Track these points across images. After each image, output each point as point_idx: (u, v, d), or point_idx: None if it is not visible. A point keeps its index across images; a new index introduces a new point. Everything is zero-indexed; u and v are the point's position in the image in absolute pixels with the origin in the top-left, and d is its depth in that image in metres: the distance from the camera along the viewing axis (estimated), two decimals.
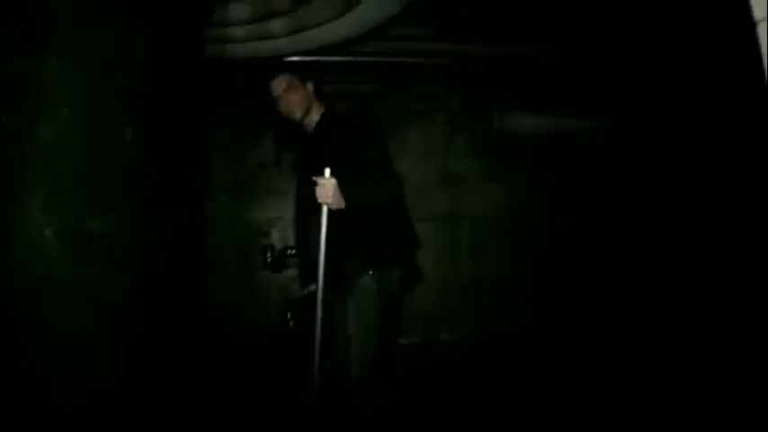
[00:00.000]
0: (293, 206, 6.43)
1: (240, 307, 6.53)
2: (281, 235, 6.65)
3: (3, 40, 1.32)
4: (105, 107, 1.99)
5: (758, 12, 1.42)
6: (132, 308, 2.28)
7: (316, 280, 3.58)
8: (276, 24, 4.42)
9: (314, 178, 3.30)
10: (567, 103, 6.58)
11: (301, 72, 3.90)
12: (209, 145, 6.29)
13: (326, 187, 3.25)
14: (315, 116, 3.82)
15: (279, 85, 3.81)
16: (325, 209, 3.35)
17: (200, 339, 3.76)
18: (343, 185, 3.27)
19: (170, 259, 2.99)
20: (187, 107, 3.56)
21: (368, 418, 3.42)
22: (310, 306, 3.80)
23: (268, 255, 6.50)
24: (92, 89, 1.84)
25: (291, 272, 6.55)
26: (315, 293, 3.66)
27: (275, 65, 4.16)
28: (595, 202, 6.68)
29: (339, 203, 3.28)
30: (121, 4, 2.05)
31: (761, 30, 1.41)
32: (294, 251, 6.41)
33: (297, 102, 3.77)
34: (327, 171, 3.28)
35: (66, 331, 1.68)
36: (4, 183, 1.34)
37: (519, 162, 6.84)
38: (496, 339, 6.30)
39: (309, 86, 3.83)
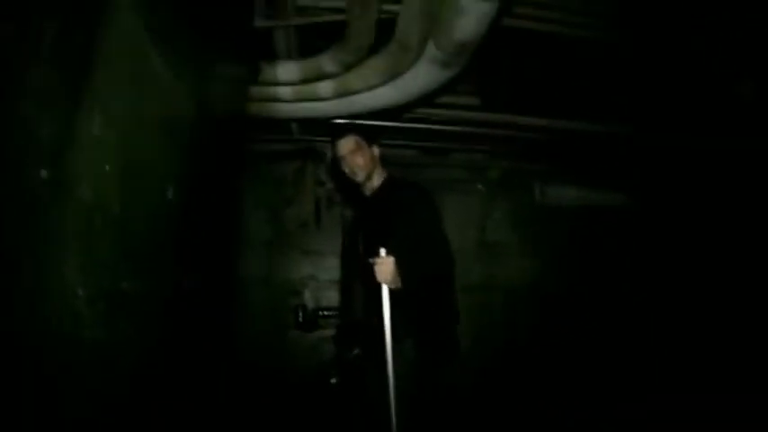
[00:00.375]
0: (328, 266, 6.55)
1: (270, 364, 6.48)
2: (314, 295, 6.62)
3: (42, 93, 1.31)
4: (148, 165, 1.97)
5: None
6: (163, 368, 2.25)
7: (359, 344, 3.61)
8: (324, 87, 4.44)
9: (371, 260, 3.28)
10: (606, 177, 6.56)
11: (368, 134, 3.93)
12: (248, 200, 6.33)
13: (386, 267, 3.24)
14: (376, 181, 3.86)
15: (346, 144, 3.84)
16: (385, 288, 3.31)
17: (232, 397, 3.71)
18: (401, 266, 3.24)
19: (204, 315, 2.96)
20: (229, 164, 3.56)
21: None
22: (356, 368, 3.81)
23: (300, 314, 6.45)
24: (135, 146, 1.82)
25: (323, 332, 6.52)
26: (359, 356, 3.69)
27: (342, 125, 4.26)
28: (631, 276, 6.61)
29: (396, 283, 3.25)
30: (166, 61, 2.04)
31: None
32: (326, 312, 6.41)
33: (362, 164, 3.80)
34: (383, 250, 3.27)
35: (95, 392, 1.64)
36: (40, 240, 1.31)
37: (557, 234, 6.78)
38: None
39: (375, 150, 3.88)
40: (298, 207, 6.65)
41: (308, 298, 6.61)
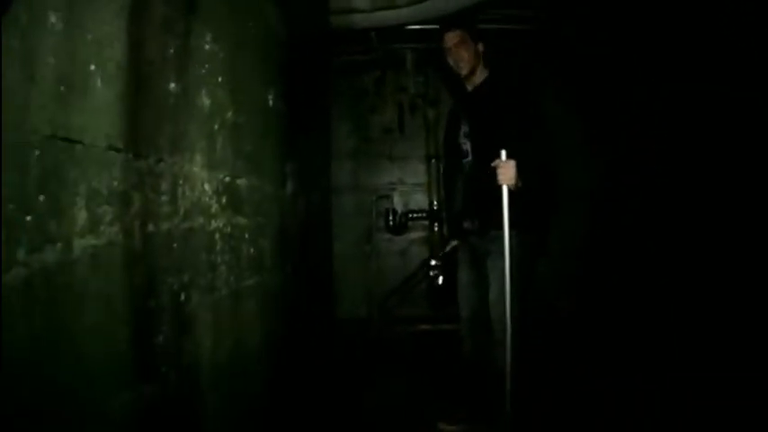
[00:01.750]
0: (414, 170, 6.74)
1: (360, 269, 6.73)
2: (403, 199, 6.81)
3: (164, 18, 1.51)
4: (251, 76, 2.18)
5: None
6: (273, 262, 2.49)
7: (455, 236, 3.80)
8: None
9: (494, 163, 3.32)
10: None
11: (476, 31, 3.91)
12: (333, 112, 6.52)
13: (508, 169, 3.28)
14: (479, 77, 3.86)
15: (453, 37, 3.83)
16: (506, 189, 3.33)
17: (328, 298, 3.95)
18: (520, 168, 3.29)
19: (307, 217, 3.19)
20: (317, 76, 3.75)
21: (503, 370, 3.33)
22: (452, 260, 4.00)
23: (390, 217, 6.66)
24: (239, 60, 2.03)
25: (411, 235, 6.74)
26: (456, 248, 3.87)
27: (450, 20, 4.22)
28: None
29: (517, 184, 3.30)
30: None
31: None
32: (415, 214, 6.62)
33: (466, 57, 3.79)
34: (504, 153, 3.31)
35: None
36: (171, 142, 1.54)
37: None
38: None
39: (480, 47, 3.85)
40: (381, 115, 6.79)
41: (397, 202, 6.81)
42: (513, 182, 3.26)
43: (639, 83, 6.44)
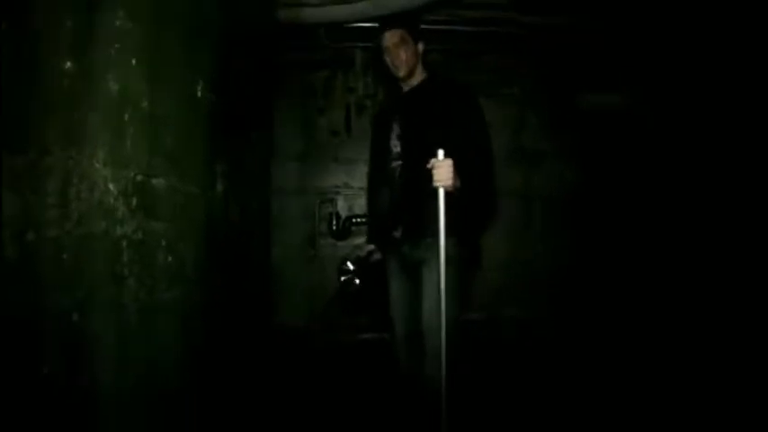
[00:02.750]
0: (360, 173, 6.54)
1: (302, 274, 6.55)
2: (347, 203, 6.64)
3: None
4: (176, 62, 1.94)
5: None
6: (196, 271, 2.25)
7: (378, 245, 3.62)
8: None
9: (430, 163, 3.16)
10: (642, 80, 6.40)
11: (416, 31, 3.81)
12: (279, 111, 6.30)
13: (445, 169, 3.13)
14: (417, 79, 3.76)
15: (392, 36, 3.72)
16: (441, 191, 3.18)
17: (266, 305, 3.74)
18: (457, 167, 3.15)
19: (240, 222, 2.96)
20: (263, 70, 3.52)
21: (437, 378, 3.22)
22: (371, 265, 3.83)
23: (333, 222, 6.48)
24: (161, 42, 1.79)
25: (356, 240, 6.55)
26: (373, 252, 3.71)
27: (391, 19, 4.06)
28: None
29: (454, 185, 3.16)
30: None
31: None
32: (359, 219, 6.43)
33: (404, 59, 3.68)
34: (441, 152, 3.15)
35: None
36: (66, 130, 1.29)
37: (594, 140, 6.66)
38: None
39: (420, 47, 3.75)
40: (329, 116, 6.59)
41: (341, 206, 6.63)
42: (450, 183, 3.12)
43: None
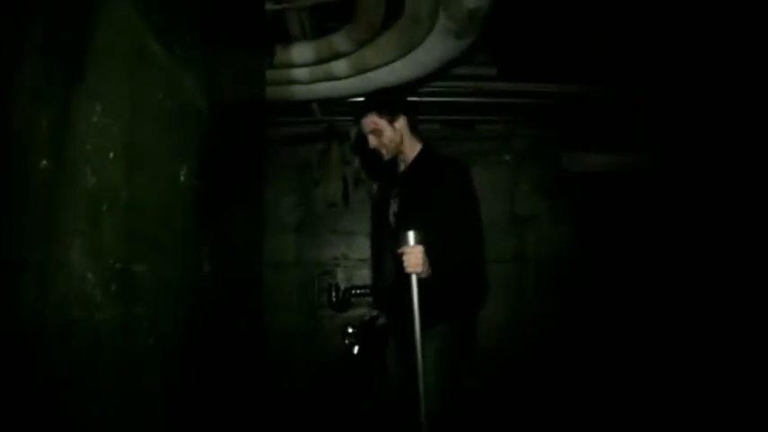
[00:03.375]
0: (359, 245, 6.59)
1: (303, 346, 6.54)
2: (346, 274, 6.67)
3: (36, 84, 1.33)
4: (155, 151, 2.00)
5: None
6: (182, 353, 2.28)
7: (382, 311, 3.64)
8: (339, 65, 4.46)
9: (400, 248, 3.19)
10: (632, 140, 6.48)
11: (391, 108, 3.79)
12: (275, 185, 6.39)
13: (414, 256, 3.14)
14: (409, 153, 3.78)
15: (366, 125, 3.78)
16: (414, 278, 3.21)
17: (261, 380, 3.74)
18: (431, 254, 3.16)
19: (231, 299, 2.99)
20: (249, 148, 3.59)
21: None
22: (375, 330, 3.84)
23: (333, 294, 6.50)
24: (139, 133, 1.86)
25: (356, 312, 6.56)
26: (376, 318, 3.72)
27: (361, 103, 4.13)
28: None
29: (426, 272, 3.17)
30: (169, 51, 2.08)
31: None
32: (359, 291, 6.45)
33: (383, 143, 3.74)
34: (412, 237, 3.17)
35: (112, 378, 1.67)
36: (44, 228, 1.34)
37: (587, 201, 6.71)
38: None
39: (400, 123, 3.74)
40: (325, 188, 6.67)
41: (341, 278, 6.66)
42: (419, 269, 3.13)
43: None
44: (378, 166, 4.01)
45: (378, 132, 3.74)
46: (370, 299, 6.48)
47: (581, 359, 6.28)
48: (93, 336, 1.57)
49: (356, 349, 4.37)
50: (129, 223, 1.78)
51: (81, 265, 1.50)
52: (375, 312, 4.13)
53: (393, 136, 3.73)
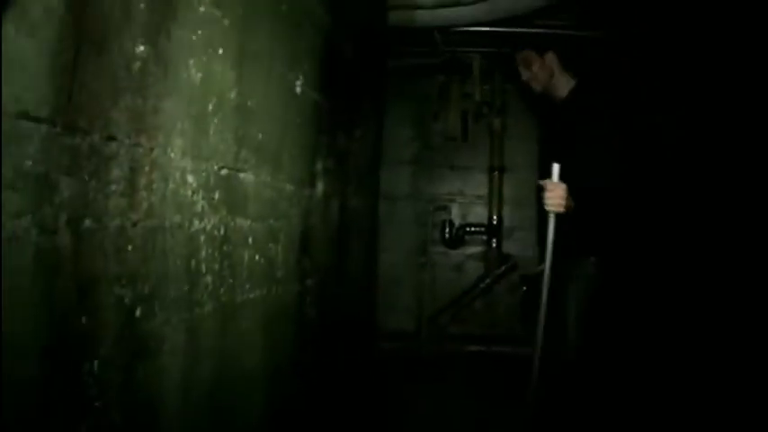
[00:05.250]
0: (475, 181, 6.41)
1: (413, 281, 6.44)
2: (461, 211, 6.50)
3: None
4: (270, 54, 1.87)
5: None
6: (289, 272, 2.18)
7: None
8: None
9: (540, 182, 3.17)
10: None
11: (541, 45, 3.79)
12: (393, 117, 6.26)
13: (555, 194, 3.06)
14: (561, 90, 3.69)
15: (518, 58, 3.78)
16: (552, 216, 3.11)
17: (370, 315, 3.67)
18: (573, 192, 3.07)
19: (343, 225, 2.89)
20: (372, 72, 3.46)
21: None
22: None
23: (447, 230, 6.36)
24: (252, 32, 1.73)
25: (468, 249, 6.42)
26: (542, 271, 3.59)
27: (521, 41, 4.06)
28: None
29: (569, 209, 3.07)
30: None
31: None
32: (473, 228, 6.29)
33: (532, 77, 3.70)
34: (556, 172, 3.06)
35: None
36: (139, 118, 1.22)
37: None
38: None
39: (550, 57, 3.69)
40: (444, 122, 6.47)
41: (455, 214, 6.50)
42: (560, 209, 3.03)
43: None
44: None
45: (527, 63, 3.71)
46: (484, 237, 6.34)
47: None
48: (191, 246, 1.46)
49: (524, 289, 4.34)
50: (239, 127, 1.66)
51: (180, 166, 1.38)
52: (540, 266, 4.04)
53: (540, 72, 3.68)
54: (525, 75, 3.74)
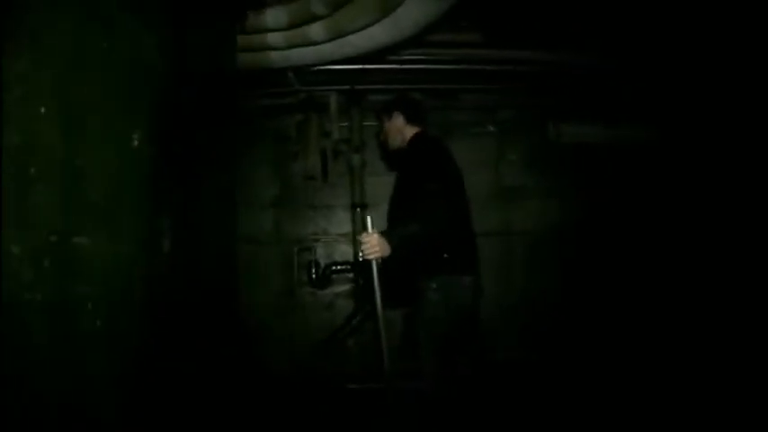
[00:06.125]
0: (338, 220, 6.41)
1: (282, 325, 6.35)
2: (326, 250, 6.46)
3: None
4: (101, 110, 1.78)
5: None
6: (138, 337, 2.07)
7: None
8: (315, 29, 4.24)
9: (360, 235, 3.32)
10: (620, 112, 6.32)
11: (390, 105, 3.97)
12: (251, 158, 6.19)
13: (370, 243, 3.21)
14: (403, 143, 3.90)
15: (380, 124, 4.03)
16: (374, 264, 3.28)
17: (236, 364, 3.56)
18: (386, 237, 3.23)
19: (195, 280, 2.78)
20: (221, 116, 3.37)
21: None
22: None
23: (313, 270, 6.30)
24: (81, 89, 1.63)
25: (337, 288, 6.38)
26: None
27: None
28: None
29: (385, 254, 3.23)
30: (131, 10, 1.86)
31: None
32: (339, 266, 6.26)
33: (387, 139, 3.97)
34: (369, 223, 3.26)
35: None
36: None
37: (573, 173, 6.53)
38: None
39: (396, 118, 3.90)
40: (304, 161, 6.43)
41: (321, 254, 6.45)
42: (376, 255, 3.23)
43: None
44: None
45: (383, 129, 3.97)
46: (350, 275, 6.31)
47: (571, 332, 6.13)
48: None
49: None
50: (71, 189, 1.56)
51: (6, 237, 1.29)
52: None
53: (389, 131, 3.93)
54: (384, 138, 4.01)
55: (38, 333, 1.43)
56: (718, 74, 5.51)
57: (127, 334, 1.94)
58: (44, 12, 1.46)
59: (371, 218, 3.27)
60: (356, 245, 6.34)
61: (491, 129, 6.68)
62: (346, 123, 6.40)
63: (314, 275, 6.31)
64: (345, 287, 6.40)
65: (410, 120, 3.89)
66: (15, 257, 1.33)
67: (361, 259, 3.34)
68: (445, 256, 3.50)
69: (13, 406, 1.34)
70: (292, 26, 4.30)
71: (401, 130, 3.87)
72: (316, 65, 4.88)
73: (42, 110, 1.45)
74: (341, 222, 6.47)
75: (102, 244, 1.75)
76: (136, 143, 2.05)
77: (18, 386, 1.35)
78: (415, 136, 3.85)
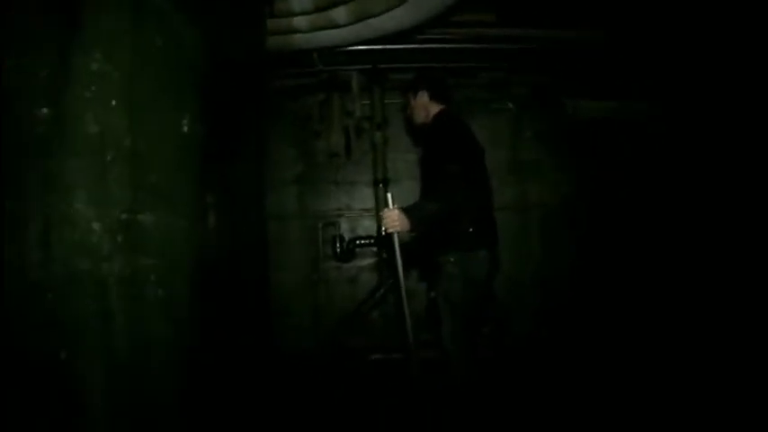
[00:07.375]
0: (361, 195, 6.56)
1: (307, 299, 6.51)
2: (350, 225, 6.63)
3: (33, 32, 1.29)
4: (158, 100, 1.96)
5: None
6: (190, 305, 2.26)
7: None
8: (339, 12, 4.40)
9: (382, 211, 3.43)
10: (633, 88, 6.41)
11: (416, 83, 4.12)
12: (276, 137, 6.33)
13: (391, 218, 3.35)
14: (428, 119, 4.05)
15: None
16: (395, 237, 3.46)
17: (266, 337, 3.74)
18: (407, 212, 3.37)
19: (235, 252, 2.97)
20: (252, 98, 3.54)
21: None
22: None
23: (337, 245, 6.47)
24: (141, 81, 1.82)
25: (360, 262, 6.55)
26: None
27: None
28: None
29: (405, 228, 3.38)
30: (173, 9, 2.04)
31: None
32: (363, 241, 6.43)
33: (412, 116, 4.14)
34: (390, 200, 3.42)
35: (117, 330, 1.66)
36: (46, 176, 1.31)
37: (590, 148, 6.63)
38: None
39: (421, 96, 4.06)
40: (326, 139, 6.58)
41: (345, 229, 6.62)
42: (398, 228, 3.38)
43: None
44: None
45: (408, 107, 4.15)
46: (374, 249, 6.48)
47: (584, 304, 6.26)
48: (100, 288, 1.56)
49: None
50: (134, 173, 1.75)
51: (87, 216, 1.48)
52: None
53: (414, 108, 4.09)
54: (409, 115, 4.20)
55: (116, 301, 1.62)
56: (730, 49, 5.58)
57: (181, 302, 2.14)
58: (112, 14, 1.64)
59: (392, 194, 3.45)
60: (379, 220, 6.51)
61: (509, 105, 6.77)
62: (368, 101, 6.52)
63: (338, 249, 6.48)
64: (369, 261, 6.56)
65: (435, 97, 4.03)
66: (96, 233, 1.52)
67: (383, 233, 3.53)
68: (464, 231, 3.65)
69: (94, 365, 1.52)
70: (317, 10, 4.44)
71: (426, 106, 4.02)
72: (339, 46, 5.01)
73: (113, 102, 1.64)
74: (364, 198, 6.62)
75: (161, 220, 1.95)
76: (186, 129, 2.25)
77: (99, 351, 1.54)
78: (439, 113, 3.98)
